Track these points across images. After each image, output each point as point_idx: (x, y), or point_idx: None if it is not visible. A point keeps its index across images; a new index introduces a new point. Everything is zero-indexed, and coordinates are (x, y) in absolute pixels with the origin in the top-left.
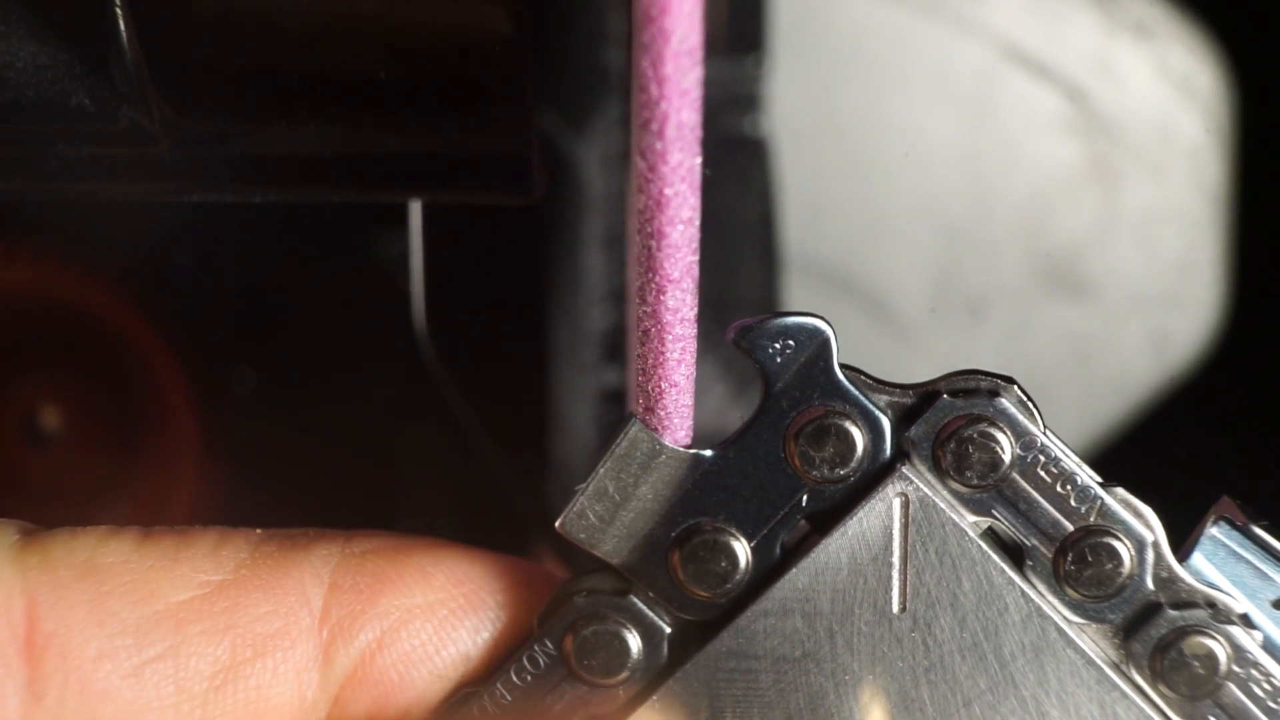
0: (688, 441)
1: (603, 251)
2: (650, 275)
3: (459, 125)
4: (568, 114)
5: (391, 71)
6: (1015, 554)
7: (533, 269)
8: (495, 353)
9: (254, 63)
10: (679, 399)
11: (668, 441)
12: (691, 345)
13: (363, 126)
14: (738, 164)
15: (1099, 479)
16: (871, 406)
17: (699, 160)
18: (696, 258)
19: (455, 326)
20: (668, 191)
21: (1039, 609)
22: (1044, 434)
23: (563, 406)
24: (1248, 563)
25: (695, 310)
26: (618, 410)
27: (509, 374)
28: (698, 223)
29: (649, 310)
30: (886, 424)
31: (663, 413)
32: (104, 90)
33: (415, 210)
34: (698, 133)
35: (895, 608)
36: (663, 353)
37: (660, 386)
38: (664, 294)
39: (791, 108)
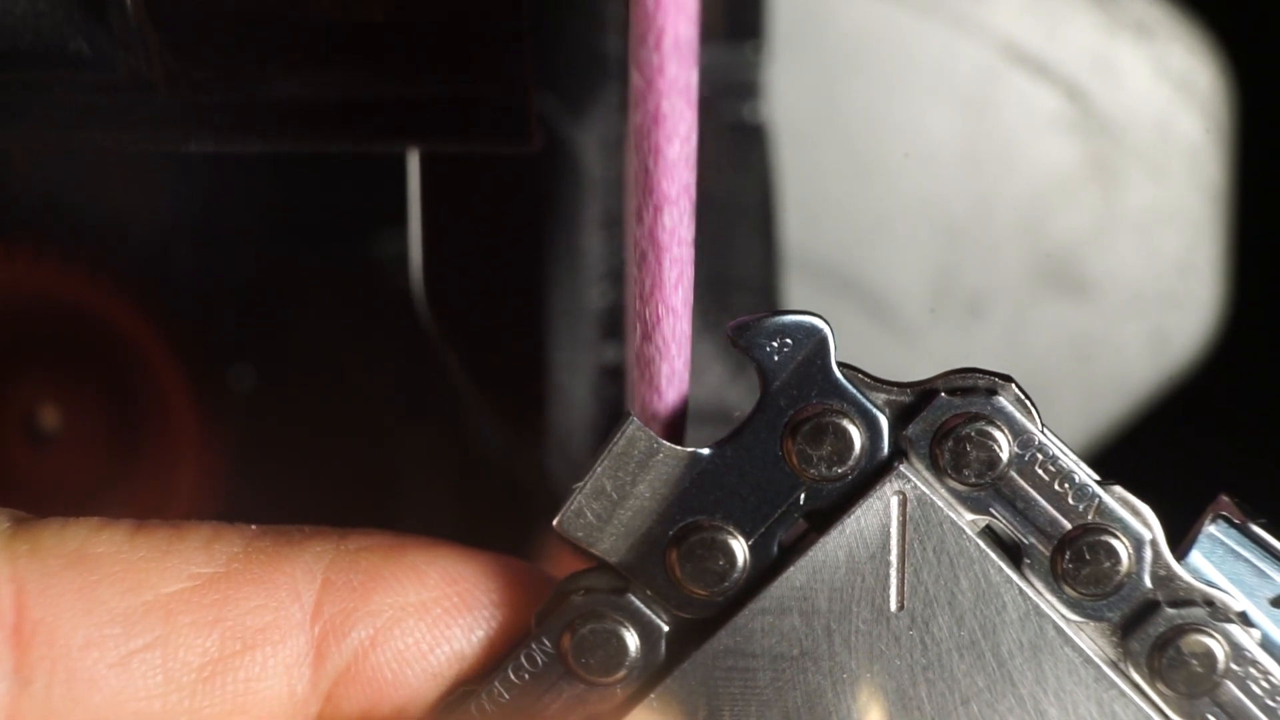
0: (685, 371)
1: (601, 233)
2: (647, 195)
3: (456, 70)
4: (567, 100)
5: (389, 14)
6: (1013, 552)
7: (533, 251)
8: (496, 332)
9: (251, 7)
10: (676, 325)
11: (664, 368)
12: (689, 270)
13: (360, 70)
14: (737, 149)
15: (1097, 477)
16: (869, 405)
17: (696, 76)
18: (694, 177)
19: (455, 307)
20: (664, 106)
21: (1037, 607)
22: (1042, 432)
23: (562, 381)
24: (1246, 561)
25: (692, 232)
26: (616, 385)
27: (510, 352)
28: (695, 140)
29: (645, 231)
30: (884, 422)
31: (660, 340)
32: (102, 36)
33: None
34: (695, 48)
35: (893, 606)
36: (660, 275)
37: (658, 312)
38: (661, 213)
39: (792, 108)
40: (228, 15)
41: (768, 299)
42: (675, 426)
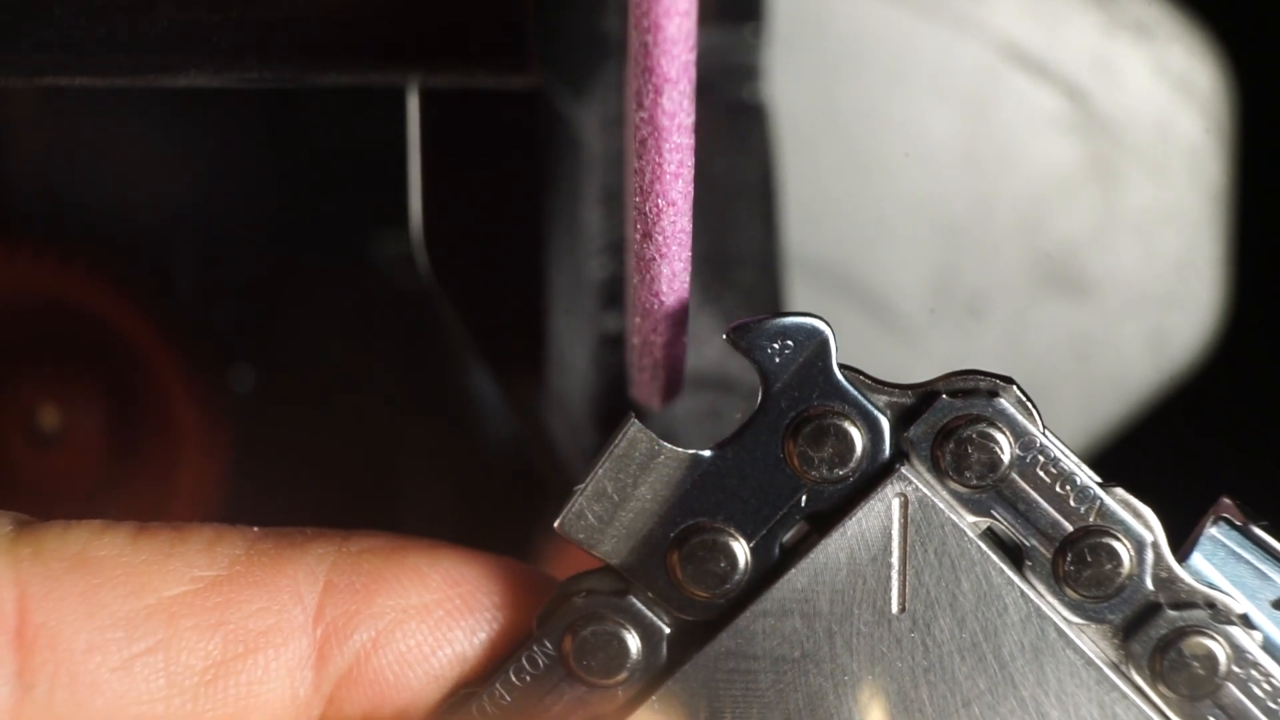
0: (686, 274)
1: (601, 208)
2: (646, 76)
3: None
4: (568, 78)
5: None
6: (1014, 554)
7: (534, 226)
8: (498, 304)
9: None
10: (677, 220)
11: (664, 269)
12: (689, 159)
13: None
14: (737, 129)
15: (1098, 479)
16: (870, 407)
17: None
18: (693, 57)
19: (457, 280)
20: None
21: (1038, 609)
22: (1043, 434)
23: (562, 349)
24: (1247, 563)
25: (692, 119)
26: (616, 353)
27: (512, 323)
28: (695, 16)
29: (645, 116)
30: (885, 424)
31: (660, 238)
32: None
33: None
34: None
35: (894, 608)
36: (660, 164)
37: (657, 205)
38: (661, 95)
39: (791, 107)
40: None
41: (766, 274)
42: (675, 335)
